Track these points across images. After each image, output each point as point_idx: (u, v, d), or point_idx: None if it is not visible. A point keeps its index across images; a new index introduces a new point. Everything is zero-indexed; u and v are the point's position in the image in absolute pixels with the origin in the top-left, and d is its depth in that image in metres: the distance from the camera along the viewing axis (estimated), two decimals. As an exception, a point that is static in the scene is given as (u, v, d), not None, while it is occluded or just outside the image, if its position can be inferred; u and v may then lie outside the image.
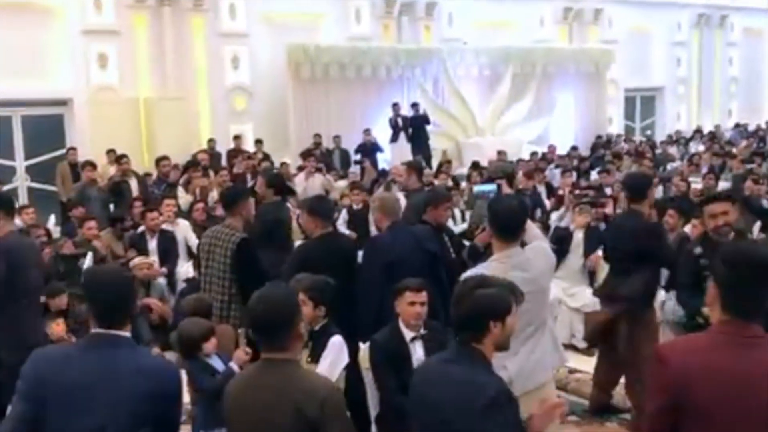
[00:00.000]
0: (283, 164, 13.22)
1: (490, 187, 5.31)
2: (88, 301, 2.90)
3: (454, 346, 2.94)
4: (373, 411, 4.60)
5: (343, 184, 12.68)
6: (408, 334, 4.52)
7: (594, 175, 12.85)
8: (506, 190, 5.17)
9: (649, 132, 22.99)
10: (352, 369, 4.60)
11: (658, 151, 17.69)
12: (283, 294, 2.98)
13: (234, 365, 4.26)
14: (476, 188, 6.20)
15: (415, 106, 16.46)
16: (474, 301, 2.85)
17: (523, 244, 4.11)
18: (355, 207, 10.03)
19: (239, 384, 2.93)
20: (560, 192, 10.31)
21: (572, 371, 6.73)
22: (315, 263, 4.86)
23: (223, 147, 14.97)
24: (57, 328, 6.53)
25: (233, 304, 5.37)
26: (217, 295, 5.39)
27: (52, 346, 3.69)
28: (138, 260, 7.80)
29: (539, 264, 4.02)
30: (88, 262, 7.85)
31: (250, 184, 12.25)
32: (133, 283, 3.16)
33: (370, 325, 4.80)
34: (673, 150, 18.24)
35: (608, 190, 10.57)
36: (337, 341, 4.29)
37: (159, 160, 11.96)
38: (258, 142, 15.24)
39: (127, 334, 2.88)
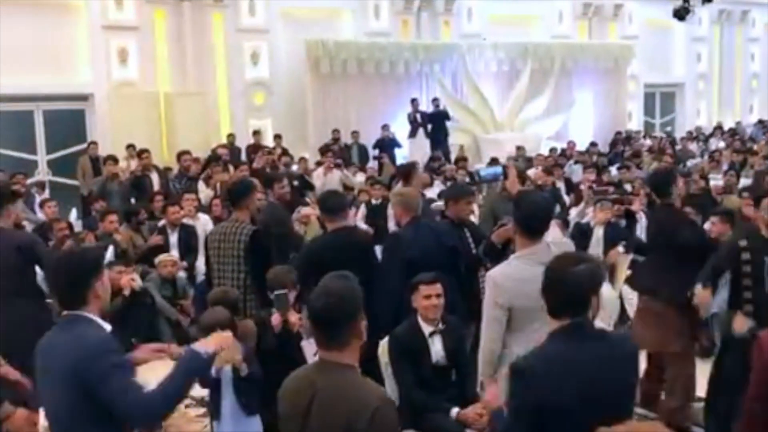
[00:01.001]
0: (301, 159, 13.26)
1: (496, 170, 5.26)
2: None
3: (567, 326, 2.85)
4: (393, 405, 4.62)
5: (361, 179, 12.71)
6: (426, 329, 4.54)
7: (613, 171, 12.80)
8: (513, 172, 5.05)
9: (668, 128, 22.84)
10: (372, 364, 4.63)
11: (678, 147, 17.58)
12: (345, 287, 2.81)
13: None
14: (482, 171, 6.00)
15: (435, 101, 16.47)
16: (576, 278, 2.83)
17: None
18: (374, 202, 10.06)
19: (294, 385, 2.85)
20: (581, 188, 10.28)
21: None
22: (324, 258, 4.91)
23: (242, 142, 15.03)
24: None
25: (248, 296, 5.42)
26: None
27: None
28: (162, 257, 7.86)
29: None
30: (108, 255, 7.91)
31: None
32: (86, 263, 3.15)
33: (390, 320, 4.81)
34: (693, 146, 18.14)
35: (628, 187, 10.53)
36: None
37: (180, 155, 12.02)
38: (277, 137, 15.29)
39: (86, 313, 3.04)
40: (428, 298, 4.46)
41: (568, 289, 2.82)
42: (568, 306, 2.83)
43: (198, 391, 4.32)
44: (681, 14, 11.94)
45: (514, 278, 3.85)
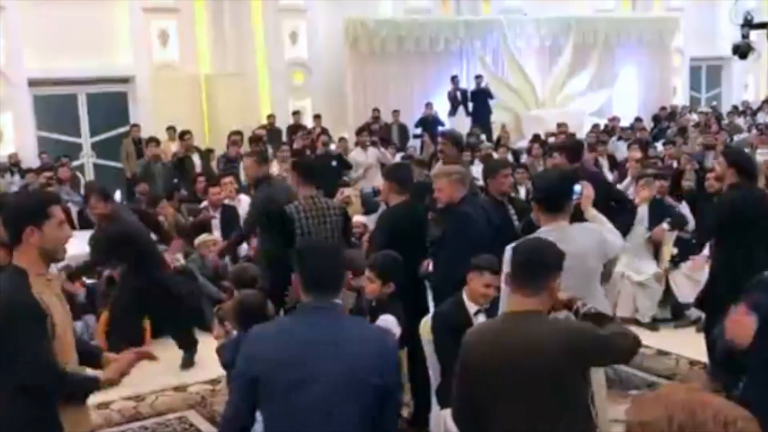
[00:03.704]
0: (341, 139, 13.25)
1: (575, 188, 5.07)
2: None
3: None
4: (434, 382, 4.61)
5: (399, 158, 12.66)
6: (472, 308, 4.49)
7: (659, 147, 12.58)
8: (588, 190, 4.57)
9: (714, 102, 22.36)
10: (415, 343, 4.61)
11: (725, 122, 17.22)
12: (542, 242, 3.09)
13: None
14: None
15: (478, 78, 16.32)
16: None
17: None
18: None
19: (491, 337, 2.93)
20: (627, 165, 10.12)
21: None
22: (399, 230, 4.98)
23: (282, 122, 15.06)
24: None
25: None
26: None
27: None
28: (203, 237, 7.95)
29: (584, 241, 3.90)
30: (152, 236, 8.01)
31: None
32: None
33: (448, 293, 4.74)
34: (740, 121, 17.74)
35: (674, 164, 10.35)
36: (386, 321, 4.19)
37: (230, 135, 12.10)
38: (316, 117, 15.30)
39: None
40: (488, 287, 4.38)
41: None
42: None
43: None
44: (743, 52, 11.41)
45: None
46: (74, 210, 9.52)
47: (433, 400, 4.62)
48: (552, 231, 3.82)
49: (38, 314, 2.86)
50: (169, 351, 7.15)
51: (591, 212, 4.24)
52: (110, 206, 6.51)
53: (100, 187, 7.26)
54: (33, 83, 13.77)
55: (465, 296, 4.47)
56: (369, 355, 2.67)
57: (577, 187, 4.71)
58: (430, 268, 5.23)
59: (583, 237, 3.90)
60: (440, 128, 15.56)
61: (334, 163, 11.83)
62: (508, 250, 3.79)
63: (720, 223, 5.53)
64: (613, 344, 2.88)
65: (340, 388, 2.60)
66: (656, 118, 18.12)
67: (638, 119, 16.51)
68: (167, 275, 6.71)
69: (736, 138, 14.54)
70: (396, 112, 15.85)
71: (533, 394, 2.77)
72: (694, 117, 17.98)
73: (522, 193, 8.98)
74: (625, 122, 16.19)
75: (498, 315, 3.41)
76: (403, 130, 15.69)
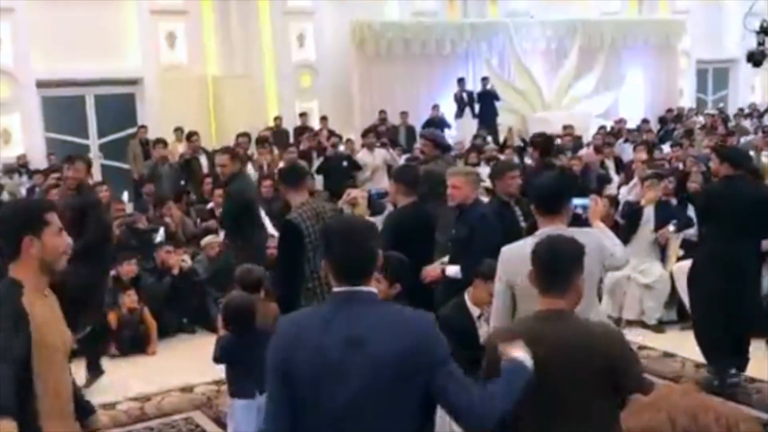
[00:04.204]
0: (348, 141, 13.28)
1: (585, 202, 5.03)
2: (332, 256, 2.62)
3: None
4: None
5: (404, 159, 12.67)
6: (475, 311, 4.51)
7: (665, 149, 12.57)
8: (598, 207, 4.51)
9: (721, 105, 22.32)
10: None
11: (732, 124, 17.18)
12: (568, 241, 3.05)
13: None
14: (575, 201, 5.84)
15: (484, 80, 16.33)
16: None
17: None
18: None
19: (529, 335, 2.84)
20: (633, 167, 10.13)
21: (642, 347, 6.65)
22: (407, 231, 4.97)
23: (289, 124, 15.10)
24: (128, 299, 6.85)
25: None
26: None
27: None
28: (209, 239, 7.98)
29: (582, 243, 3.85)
30: (160, 237, 8.07)
31: (316, 161, 12.40)
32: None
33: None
34: (747, 123, 17.70)
35: (680, 166, 10.34)
36: None
37: (238, 137, 12.13)
38: (323, 118, 15.32)
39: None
40: (492, 295, 4.38)
41: None
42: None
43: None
44: (757, 60, 11.33)
45: (517, 254, 3.75)
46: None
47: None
48: (550, 233, 3.80)
49: (18, 319, 2.64)
50: (175, 352, 7.20)
51: (599, 227, 4.15)
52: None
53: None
54: (41, 84, 13.83)
55: (468, 299, 4.48)
56: (403, 345, 2.46)
57: (586, 201, 4.69)
58: (437, 269, 5.21)
59: (581, 239, 3.83)
60: (421, 130, 15.61)
61: (344, 163, 11.87)
62: (504, 251, 3.83)
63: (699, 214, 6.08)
64: (638, 362, 2.93)
65: (373, 386, 2.44)
66: (663, 121, 18.10)
67: (645, 121, 16.49)
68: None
69: (742, 140, 14.52)
70: (404, 114, 15.85)
71: (564, 394, 2.77)
72: (701, 119, 17.95)
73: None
74: (632, 124, 16.17)
75: (520, 317, 3.34)
76: (411, 131, 15.69)
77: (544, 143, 7.69)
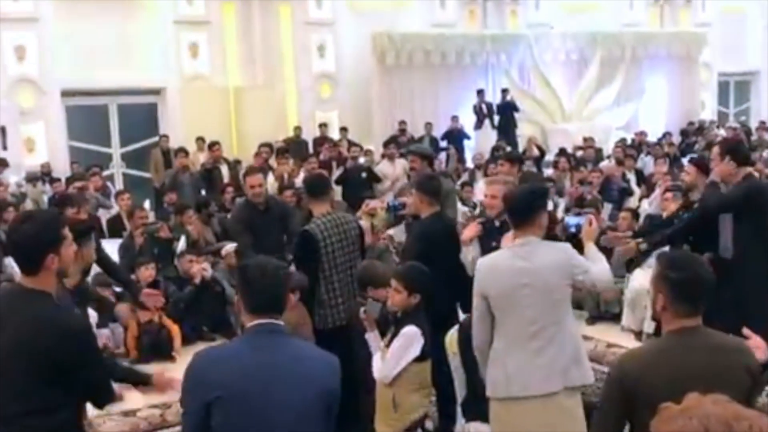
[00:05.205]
0: (367, 152, 13.32)
1: (579, 220, 4.99)
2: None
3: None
4: (460, 395, 4.62)
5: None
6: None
7: (685, 161, 12.50)
8: (592, 229, 4.30)
9: (743, 118, 22.17)
10: (440, 355, 4.62)
11: (754, 137, 17.06)
12: (697, 260, 2.90)
13: None
14: (567, 219, 5.63)
15: (504, 92, 16.34)
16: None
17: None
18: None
19: (649, 360, 2.74)
20: (654, 179, 10.10)
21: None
22: (434, 242, 5.00)
23: (309, 134, 15.17)
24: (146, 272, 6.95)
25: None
26: (347, 285, 5.37)
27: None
28: (228, 248, 8.02)
29: (545, 257, 3.74)
30: (181, 245, 8.13)
31: (336, 171, 12.45)
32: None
33: None
34: (768, 136, 17.57)
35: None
36: (409, 332, 4.18)
37: (261, 147, 12.19)
38: (343, 129, 15.37)
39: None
40: None
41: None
42: None
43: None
44: None
45: (489, 266, 3.83)
46: (104, 218, 9.66)
47: (458, 413, 4.63)
48: (519, 246, 3.79)
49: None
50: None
51: (590, 247, 4.06)
52: None
53: None
54: (65, 94, 14.01)
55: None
56: (320, 372, 2.70)
57: (581, 220, 4.68)
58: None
59: (545, 253, 3.77)
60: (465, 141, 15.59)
61: (363, 175, 11.90)
62: (478, 264, 3.89)
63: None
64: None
65: (298, 412, 2.60)
66: (684, 133, 18.01)
67: (667, 134, 16.44)
68: None
69: (765, 154, 14.42)
70: (429, 125, 15.83)
71: None
72: (722, 132, 17.84)
73: (549, 206, 8.98)
74: (652, 137, 16.12)
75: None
76: (434, 142, 15.67)
77: (516, 157, 7.64)
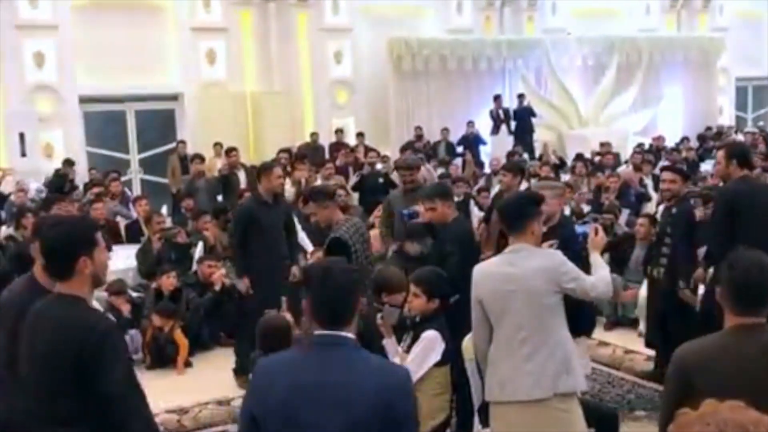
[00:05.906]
0: (384, 157, 13.32)
1: (585, 229, 4.97)
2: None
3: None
4: (476, 402, 4.61)
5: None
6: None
7: (704, 167, 12.44)
8: (597, 238, 4.19)
9: (761, 123, 22.01)
10: (458, 362, 4.61)
11: (772, 143, 16.93)
12: (763, 260, 2.80)
13: None
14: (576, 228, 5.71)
15: (521, 97, 16.32)
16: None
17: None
18: (456, 199, 10.01)
19: (710, 354, 2.73)
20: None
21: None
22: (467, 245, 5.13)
23: (326, 140, 15.20)
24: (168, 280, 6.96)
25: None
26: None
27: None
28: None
29: (531, 263, 3.73)
30: (198, 251, 8.17)
31: (353, 177, 12.46)
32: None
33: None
34: (788, 141, 17.43)
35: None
36: (430, 336, 4.20)
37: (280, 152, 12.21)
38: (359, 135, 15.40)
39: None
40: None
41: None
42: None
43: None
44: None
45: (483, 272, 3.86)
46: (122, 224, 9.72)
47: (475, 419, 4.62)
48: (509, 253, 3.82)
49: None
50: (212, 365, 7.26)
51: (594, 257, 4.01)
52: None
53: None
54: (84, 100, 14.12)
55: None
56: (374, 392, 2.38)
57: (586, 228, 4.65)
58: None
59: (531, 259, 3.75)
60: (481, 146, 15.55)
61: (380, 180, 11.91)
62: (474, 270, 3.89)
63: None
64: None
65: None
66: (702, 138, 17.91)
67: (685, 139, 16.36)
68: None
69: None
70: (445, 131, 15.85)
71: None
72: (740, 137, 17.73)
73: (567, 211, 8.94)
74: (670, 142, 16.05)
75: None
76: (450, 148, 15.68)
77: (518, 167, 7.83)
